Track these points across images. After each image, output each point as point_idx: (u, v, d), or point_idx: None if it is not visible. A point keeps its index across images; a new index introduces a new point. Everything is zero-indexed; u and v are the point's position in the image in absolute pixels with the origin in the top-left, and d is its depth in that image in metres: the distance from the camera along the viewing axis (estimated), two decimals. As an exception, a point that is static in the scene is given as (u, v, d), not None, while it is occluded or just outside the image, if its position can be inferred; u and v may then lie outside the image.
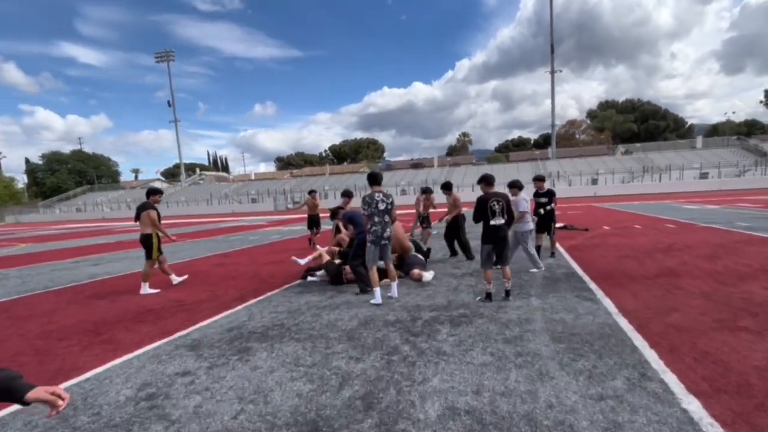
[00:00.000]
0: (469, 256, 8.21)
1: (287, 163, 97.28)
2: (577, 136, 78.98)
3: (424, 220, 9.78)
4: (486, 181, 5.14)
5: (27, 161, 79.10)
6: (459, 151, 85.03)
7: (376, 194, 5.14)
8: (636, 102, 78.35)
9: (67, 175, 71.98)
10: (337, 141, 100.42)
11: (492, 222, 4.84)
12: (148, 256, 6.62)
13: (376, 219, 5.11)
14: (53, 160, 73.15)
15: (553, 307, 4.61)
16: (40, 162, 73.89)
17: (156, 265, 6.75)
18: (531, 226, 6.77)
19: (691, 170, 42.54)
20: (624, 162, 49.22)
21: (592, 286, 5.46)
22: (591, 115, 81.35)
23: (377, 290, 5.13)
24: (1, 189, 65.33)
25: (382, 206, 5.12)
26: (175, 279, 7.02)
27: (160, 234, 6.71)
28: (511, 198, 6.13)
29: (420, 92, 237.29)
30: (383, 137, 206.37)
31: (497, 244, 4.89)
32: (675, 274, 5.90)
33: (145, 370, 3.42)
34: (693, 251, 7.59)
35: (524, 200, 6.61)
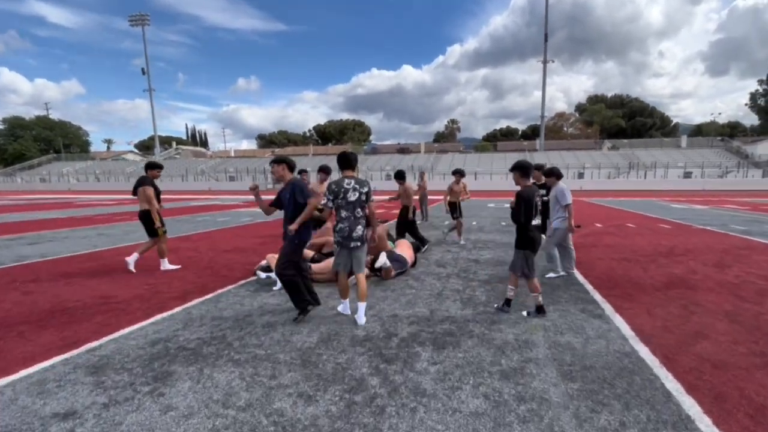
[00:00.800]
0: (424, 242, 7.98)
1: (269, 141, 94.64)
2: (565, 129, 79.11)
3: (456, 208, 8.94)
4: (522, 170, 3.99)
5: (-11, 125, 74.49)
6: (447, 138, 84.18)
7: (347, 181, 3.96)
8: (625, 98, 78.67)
9: (31, 142, 68.09)
10: (323, 121, 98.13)
11: (534, 222, 3.98)
12: (150, 233, 6.31)
13: (344, 213, 3.94)
14: (15, 125, 68.97)
15: (557, 325, 3.86)
16: (1, 126, 69.57)
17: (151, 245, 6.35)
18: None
19: (676, 169, 42.91)
20: (611, 157, 49.35)
21: (597, 296, 4.76)
22: (580, 108, 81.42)
23: (345, 302, 4.24)
24: (-44, 153, 61.36)
25: (353, 196, 3.92)
26: (166, 265, 6.39)
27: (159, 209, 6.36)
28: (552, 189, 5.66)
29: (409, 76, 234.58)
30: (370, 120, 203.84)
31: (535, 250, 4.08)
32: (687, 285, 5.25)
33: (12, 408, 2.51)
34: (697, 257, 7.00)
35: (567, 190, 5.50)
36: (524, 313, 4.20)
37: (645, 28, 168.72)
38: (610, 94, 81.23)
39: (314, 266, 5.44)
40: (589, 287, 5.17)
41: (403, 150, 65.41)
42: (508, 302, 4.24)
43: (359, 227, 4.00)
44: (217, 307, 4.47)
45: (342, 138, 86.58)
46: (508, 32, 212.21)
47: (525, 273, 4.03)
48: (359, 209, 4.00)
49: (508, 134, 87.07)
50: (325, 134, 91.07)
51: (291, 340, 3.55)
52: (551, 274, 5.69)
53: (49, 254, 7.70)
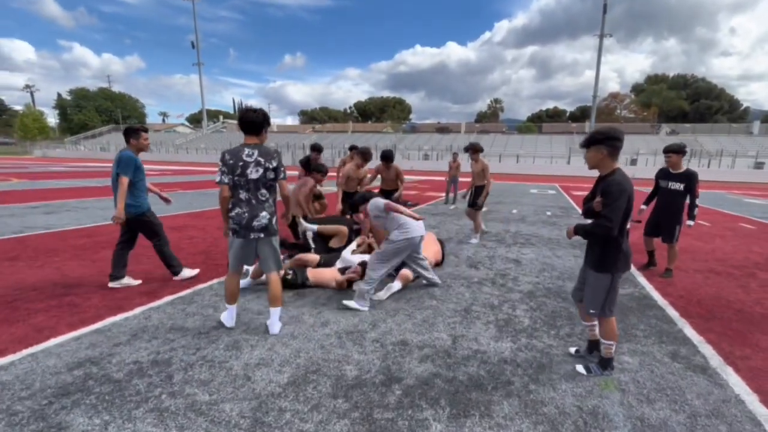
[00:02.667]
0: None
1: (311, 117, 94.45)
2: (618, 111, 72.97)
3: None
4: (610, 142, 2.45)
5: (58, 96, 78.94)
6: (489, 119, 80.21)
7: (247, 151, 2.90)
8: (689, 78, 70.90)
9: (93, 112, 71.55)
10: (364, 98, 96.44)
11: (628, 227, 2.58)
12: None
13: (242, 195, 2.93)
14: (80, 96, 72.59)
15: (639, 382, 2.57)
16: (69, 98, 73.49)
17: None
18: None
19: (746, 158, 38.05)
20: (669, 142, 44.62)
21: (688, 331, 3.37)
22: (637, 89, 74.35)
23: (231, 309, 3.19)
24: (30, 122, 65.54)
25: (254, 173, 2.89)
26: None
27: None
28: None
29: (453, 53, 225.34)
30: (411, 98, 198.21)
31: (628, 267, 2.61)
32: (815, 318, 3.73)
33: None
34: (811, 273, 5.30)
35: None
36: (571, 350, 2.94)
37: (716, 1, 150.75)
38: (672, 74, 73.58)
39: (311, 272, 4.33)
40: (672, 313, 3.78)
41: (442, 129, 62.91)
42: (594, 346, 2.83)
43: (264, 213, 2.98)
44: (185, 311, 3.52)
45: (382, 116, 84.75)
46: (560, 6, 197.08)
47: (607, 310, 2.60)
48: (264, 191, 2.98)
49: (554, 115, 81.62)
50: (365, 111, 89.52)
51: (253, 376, 2.51)
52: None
53: (57, 226, 7.16)
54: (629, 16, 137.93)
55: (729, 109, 68.08)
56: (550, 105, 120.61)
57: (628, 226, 2.54)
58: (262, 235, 2.99)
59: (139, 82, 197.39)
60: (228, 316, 3.20)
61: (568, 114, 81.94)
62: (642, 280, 4.83)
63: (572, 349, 2.94)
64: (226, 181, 2.90)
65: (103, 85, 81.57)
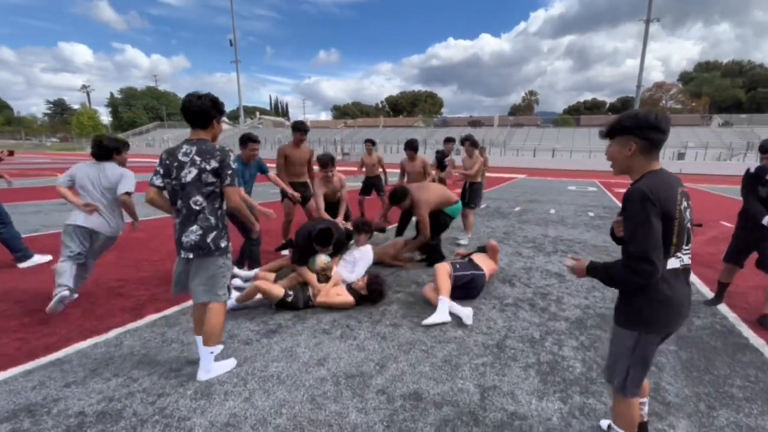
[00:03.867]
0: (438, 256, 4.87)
1: (343, 112, 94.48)
2: (664, 102, 67.98)
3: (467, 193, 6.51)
4: (651, 137, 1.57)
5: (111, 95, 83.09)
6: (523, 111, 77.11)
7: (184, 148, 2.30)
8: (744, 65, 64.84)
9: (141, 110, 74.76)
10: (396, 93, 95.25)
11: (674, 264, 1.60)
12: None
13: (177, 204, 2.35)
14: (129, 95, 76.01)
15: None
16: (119, 96, 77.14)
17: None
18: None
19: (811, 151, 34.11)
20: (722, 135, 40.93)
21: (806, 390, 2.46)
22: (685, 77, 68.92)
23: (198, 341, 2.52)
24: (85, 120, 69.25)
25: (189, 175, 2.27)
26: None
27: None
28: None
29: (487, 45, 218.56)
30: (443, 92, 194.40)
31: (669, 328, 1.69)
32: None
33: None
34: None
35: None
36: (603, 424, 2.10)
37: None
38: (725, 61, 67.57)
39: (320, 292, 3.65)
40: (762, 345, 2.85)
41: (474, 123, 60.93)
42: (643, 428, 1.96)
43: (194, 227, 2.32)
44: (164, 336, 2.96)
45: (413, 110, 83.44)
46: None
47: (625, 385, 1.72)
48: (198, 197, 2.31)
49: (593, 107, 77.27)
50: (396, 106, 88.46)
51: (215, 446, 1.89)
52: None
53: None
54: (676, 0, 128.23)
55: (791, 98, 61.71)
56: (587, 97, 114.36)
57: (680, 259, 1.60)
58: (191, 255, 2.35)
59: (185, 80, 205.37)
60: (197, 349, 2.55)
61: (607, 106, 77.36)
62: (722, 307, 3.85)
63: (604, 424, 2.12)
64: (158, 183, 2.34)
65: (150, 84, 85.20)
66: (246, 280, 4.15)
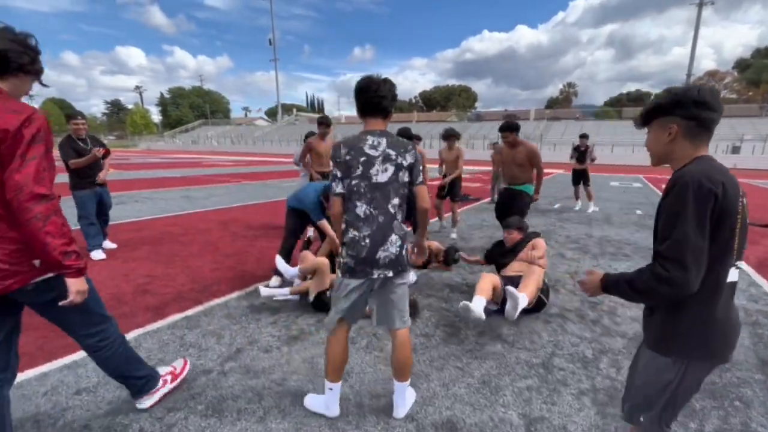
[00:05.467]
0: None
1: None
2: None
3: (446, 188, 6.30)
4: (697, 115, 1.19)
5: (161, 95, 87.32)
6: (561, 104, 73.68)
7: (371, 139, 1.79)
8: (812, 50, 58.36)
9: (187, 109, 77.98)
10: (430, 87, 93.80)
11: (738, 276, 1.27)
12: None
13: (362, 208, 1.81)
14: (177, 94, 79.43)
15: None
16: (168, 96, 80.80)
17: None
18: None
19: None
20: (783, 126, 37.10)
21: None
22: (741, 65, 63.10)
23: (334, 390, 1.99)
24: (138, 119, 73.13)
25: (386, 174, 1.79)
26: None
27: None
28: None
29: (523, 37, 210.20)
30: (478, 86, 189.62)
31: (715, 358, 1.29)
32: None
33: None
34: None
35: None
36: None
37: None
38: (788, 46, 61.07)
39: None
40: None
41: (509, 116, 58.81)
42: None
43: (394, 238, 1.83)
44: (183, 339, 2.77)
45: (447, 104, 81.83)
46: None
47: (657, 420, 1.36)
48: (396, 199, 1.84)
49: (637, 99, 72.46)
50: (430, 100, 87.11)
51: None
52: None
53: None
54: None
55: None
56: (630, 88, 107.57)
57: (736, 263, 1.22)
58: (390, 273, 1.84)
59: (228, 80, 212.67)
60: (329, 400, 2.00)
61: (653, 97, 72.29)
62: (810, 323, 3.22)
63: None
64: (340, 190, 1.83)
65: (196, 84, 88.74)
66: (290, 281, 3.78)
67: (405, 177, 1.84)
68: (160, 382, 2.09)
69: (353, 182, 1.79)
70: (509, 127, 4.63)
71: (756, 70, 57.25)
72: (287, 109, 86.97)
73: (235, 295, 3.59)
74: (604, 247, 5.58)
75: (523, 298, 2.92)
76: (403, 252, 1.88)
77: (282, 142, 55.89)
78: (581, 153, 9.06)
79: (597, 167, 26.30)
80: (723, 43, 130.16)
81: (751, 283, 4.11)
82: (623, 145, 35.58)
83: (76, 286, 1.50)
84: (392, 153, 1.79)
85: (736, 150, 34.09)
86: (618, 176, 19.12)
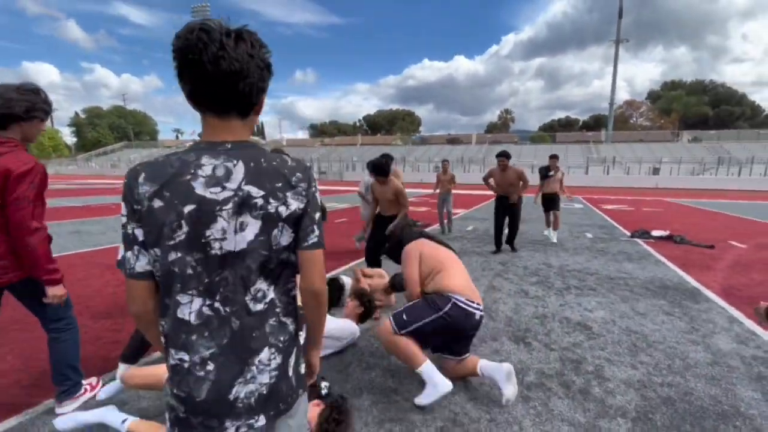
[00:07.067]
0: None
1: (321, 131, 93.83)
2: (634, 120, 70.45)
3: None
4: None
5: (76, 114, 79.71)
6: (500, 129, 78.41)
7: (204, 165, 0.90)
8: (707, 84, 68.12)
9: (106, 130, 71.93)
10: (373, 112, 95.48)
11: None
12: None
13: (193, 306, 0.92)
14: (93, 114, 73.17)
15: None
16: (83, 116, 74.14)
17: None
18: None
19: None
20: (692, 150, 42.12)
21: None
22: (653, 96, 71.81)
23: None
24: (46, 141, 65.85)
25: (234, 239, 0.91)
26: None
27: None
28: None
29: (462, 66, 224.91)
30: (421, 111, 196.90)
31: None
32: None
33: None
34: None
35: None
36: None
37: (726, 8, 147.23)
38: (688, 80, 70.83)
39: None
40: None
41: (453, 140, 61.31)
42: None
43: (265, 356, 0.97)
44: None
45: (391, 128, 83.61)
46: (567, 19, 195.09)
47: None
48: (264, 283, 0.97)
49: (567, 125, 79.39)
50: (375, 124, 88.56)
51: None
52: None
53: None
54: (637, 26, 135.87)
55: (751, 115, 65.11)
56: (559, 115, 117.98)
57: None
58: (260, 421, 0.98)
59: (157, 100, 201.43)
60: None
61: (581, 123, 79.64)
62: (812, 371, 2.84)
63: None
64: (140, 267, 0.93)
65: (118, 103, 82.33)
66: None
67: (284, 238, 0.97)
68: (83, 389, 2.31)
69: (170, 254, 0.90)
70: (504, 155, 6.53)
71: (666, 100, 65.42)
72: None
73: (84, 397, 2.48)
74: (566, 279, 5.15)
75: (509, 390, 2.30)
76: (291, 375, 1.04)
77: (216, 166, 52.99)
78: (547, 173, 8.22)
79: (536, 189, 27.57)
80: (635, 77, 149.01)
81: (732, 320, 3.78)
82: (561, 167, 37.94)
83: (54, 292, 1.98)
84: (256, 192, 0.92)
85: (656, 171, 37.78)
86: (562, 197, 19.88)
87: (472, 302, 2.43)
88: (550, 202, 8.07)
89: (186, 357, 0.93)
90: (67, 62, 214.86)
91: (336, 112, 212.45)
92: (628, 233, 8.75)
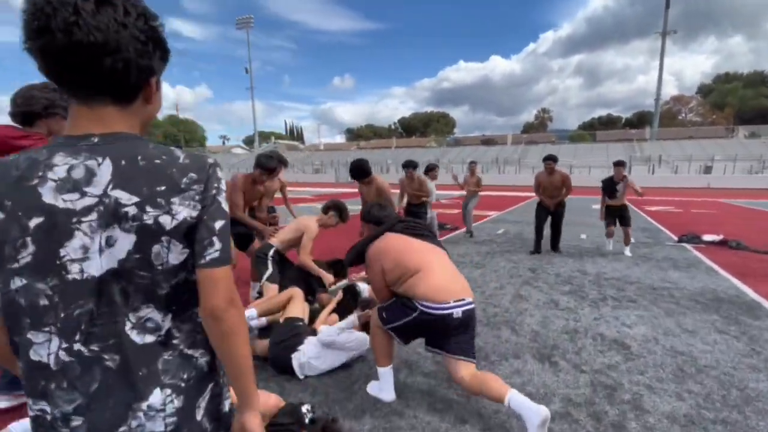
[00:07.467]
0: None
1: (357, 135, 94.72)
2: (683, 116, 65.53)
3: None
4: None
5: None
6: (537, 129, 75.58)
7: (57, 165, 0.69)
8: (767, 75, 62.03)
9: (162, 138, 76.57)
10: (408, 114, 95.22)
11: None
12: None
13: (49, 347, 0.71)
14: (151, 124, 78.41)
15: None
16: (141, 125, 79.62)
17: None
18: None
19: None
20: (749, 147, 38.39)
21: None
22: (704, 90, 66.38)
23: None
24: (110, 148, 71.24)
25: (98, 261, 0.70)
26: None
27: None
28: None
29: (498, 67, 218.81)
30: (456, 113, 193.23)
31: None
32: None
33: None
34: None
35: None
36: None
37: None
38: (745, 71, 64.84)
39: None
40: None
41: (487, 141, 59.75)
42: None
43: (157, 401, 0.75)
44: None
45: (426, 130, 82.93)
46: (608, 12, 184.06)
47: None
48: (147, 309, 0.75)
49: (608, 123, 75.12)
50: (409, 127, 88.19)
51: None
52: None
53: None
54: (686, 16, 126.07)
55: (819, 108, 58.52)
56: (600, 113, 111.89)
57: None
58: None
59: (207, 109, 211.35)
60: None
61: (623, 121, 75.18)
62: None
63: None
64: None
65: (173, 113, 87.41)
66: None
67: (173, 255, 0.75)
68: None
69: (14, 281, 0.70)
70: (551, 158, 6.46)
71: (719, 94, 60.25)
72: (266, 136, 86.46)
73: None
74: (603, 288, 4.65)
75: (541, 410, 1.90)
76: (202, 418, 0.81)
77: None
78: (614, 187, 6.71)
79: (576, 190, 26.09)
80: (683, 71, 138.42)
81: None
82: (600, 167, 35.95)
83: None
84: (127, 199, 0.71)
85: (708, 170, 34.88)
86: (598, 198, 18.67)
87: (445, 303, 2.12)
88: (621, 217, 6.68)
89: (47, 408, 0.73)
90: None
91: (372, 116, 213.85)
92: (675, 237, 7.94)
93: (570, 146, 48.87)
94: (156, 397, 0.75)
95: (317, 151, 68.05)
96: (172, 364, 0.78)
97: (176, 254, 0.75)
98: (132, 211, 0.70)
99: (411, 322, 2.19)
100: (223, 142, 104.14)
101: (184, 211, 0.74)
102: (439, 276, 2.22)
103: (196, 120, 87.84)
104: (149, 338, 0.75)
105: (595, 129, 67.22)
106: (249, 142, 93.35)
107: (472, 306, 2.21)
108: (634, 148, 43.26)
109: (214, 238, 0.77)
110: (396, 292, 2.31)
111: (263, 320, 2.86)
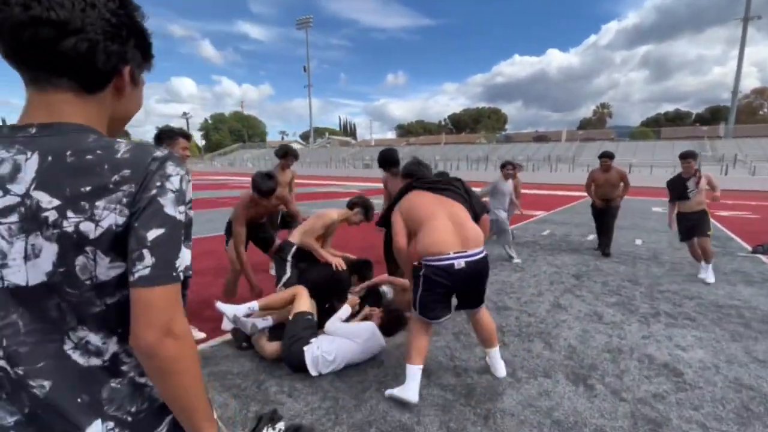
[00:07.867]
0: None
1: (407, 131, 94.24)
2: (765, 111, 57.75)
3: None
4: None
5: (205, 120, 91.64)
6: (594, 125, 70.44)
7: None
8: None
9: (227, 133, 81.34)
10: (459, 110, 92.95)
11: None
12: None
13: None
14: (218, 120, 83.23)
15: None
16: (210, 121, 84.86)
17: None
18: None
19: None
20: None
21: None
22: (794, 82, 57.87)
23: None
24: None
25: (25, 270, 0.60)
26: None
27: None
28: None
29: (554, 60, 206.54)
30: (508, 109, 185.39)
31: None
32: None
33: None
34: None
35: None
36: None
37: None
38: None
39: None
40: None
41: (540, 138, 56.66)
42: None
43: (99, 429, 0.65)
44: None
45: (476, 126, 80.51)
46: (681, 0, 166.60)
47: None
48: (84, 330, 0.65)
49: (675, 119, 68.13)
50: (459, 123, 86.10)
51: None
52: None
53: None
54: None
55: None
56: (667, 108, 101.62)
57: None
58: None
59: (269, 106, 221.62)
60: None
61: (693, 116, 67.77)
62: None
63: None
64: None
65: (238, 109, 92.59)
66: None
67: (102, 269, 0.63)
68: None
69: None
70: (608, 155, 5.98)
71: (812, 86, 52.15)
72: (321, 132, 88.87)
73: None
74: (656, 302, 4.11)
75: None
76: None
77: (312, 164, 56.45)
78: (683, 185, 5.10)
79: (635, 190, 23.86)
80: (767, 61, 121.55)
81: None
82: (663, 167, 32.68)
83: None
84: (47, 202, 0.60)
85: (795, 172, 30.37)
86: (660, 200, 16.91)
87: (444, 254, 2.18)
88: (695, 226, 5.05)
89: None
90: (202, 76, 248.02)
91: (424, 112, 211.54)
92: (749, 247, 6.90)
93: (630, 143, 45.00)
94: (95, 428, 0.65)
95: (368, 147, 68.62)
96: (119, 393, 0.67)
97: (104, 269, 0.63)
98: (52, 216, 0.59)
99: (425, 285, 2.23)
100: (282, 138, 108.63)
101: (109, 216, 0.61)
102: (440, 229, 2.25)
103: (258, 116, 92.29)
104: (95, 361, 0.65)
105: (660, 125, 61.23)
106: (305, 137, 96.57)
107: (478, 256, 2.24)
108: (704, 146, 38.78)
109: (144, 251, 0.62)
110: (415, 252, 2.35)
111: (269, 320, 2.78)
